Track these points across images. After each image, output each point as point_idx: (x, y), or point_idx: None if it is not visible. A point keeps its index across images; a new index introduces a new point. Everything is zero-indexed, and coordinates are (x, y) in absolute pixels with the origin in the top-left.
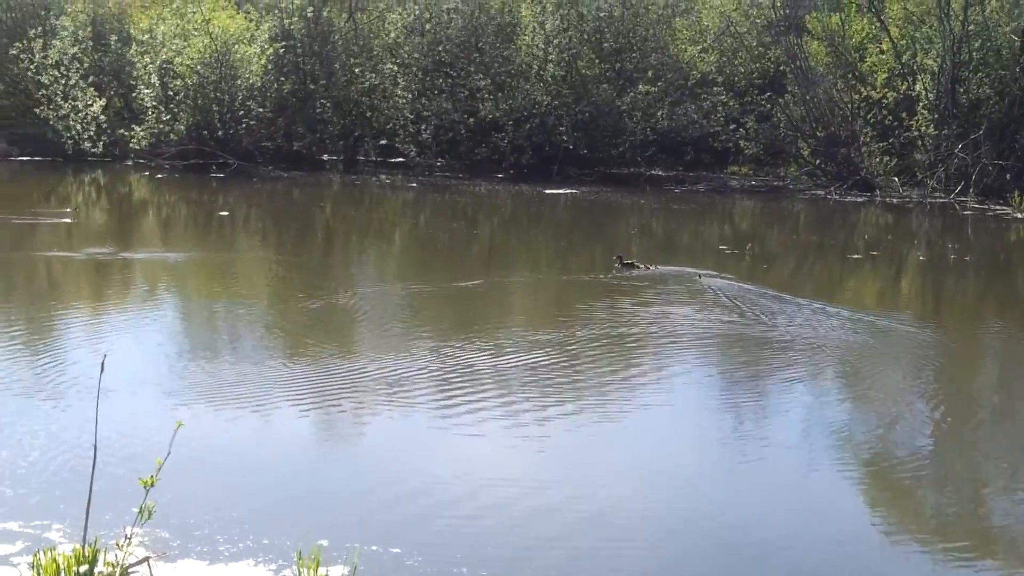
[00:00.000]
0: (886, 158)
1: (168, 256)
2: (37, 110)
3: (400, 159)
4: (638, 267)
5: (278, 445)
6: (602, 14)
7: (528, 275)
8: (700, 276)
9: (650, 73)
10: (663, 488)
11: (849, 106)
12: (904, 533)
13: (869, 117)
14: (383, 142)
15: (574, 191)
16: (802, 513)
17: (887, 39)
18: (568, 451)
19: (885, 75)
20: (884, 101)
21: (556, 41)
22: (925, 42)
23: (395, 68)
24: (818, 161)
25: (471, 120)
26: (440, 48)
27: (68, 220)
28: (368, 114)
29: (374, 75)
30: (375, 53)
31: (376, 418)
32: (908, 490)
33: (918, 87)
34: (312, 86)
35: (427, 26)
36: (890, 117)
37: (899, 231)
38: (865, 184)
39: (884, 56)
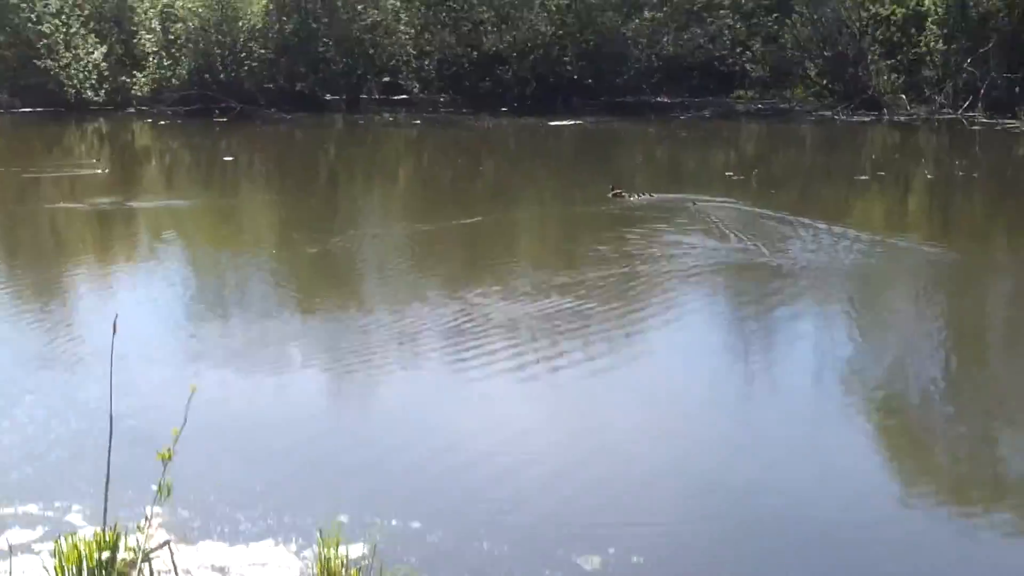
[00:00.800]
0: (894, 75)
1: (174, 203)
2: (38, 61)
3: (403, 96)
4: (630, 196)
5: (292, 408)
6: None
7: (535, 209)
8: (695, 203)
9: None
10: (676, 444)
11: (857, 24)
12: (920, 486)
13: (877, 34)
14: (386, 79)
15: (579, 122)
16: (813, 468)
17: None
18: (582, 405)
19: None
20: (893, 17)
21: None
22: None
23: (397, 3)
24: (825, 81)
25: (474, 53)
26: None
27: (99, 171)
28: (371, 51)
29: (376, 11)
30: None
31: (388, 376)
32: (922, 436)
33: (927, 2)
34: (314, 25)
35: None
36: (898, 34)
37: (906, 150)
38: (872, 103)
39: None
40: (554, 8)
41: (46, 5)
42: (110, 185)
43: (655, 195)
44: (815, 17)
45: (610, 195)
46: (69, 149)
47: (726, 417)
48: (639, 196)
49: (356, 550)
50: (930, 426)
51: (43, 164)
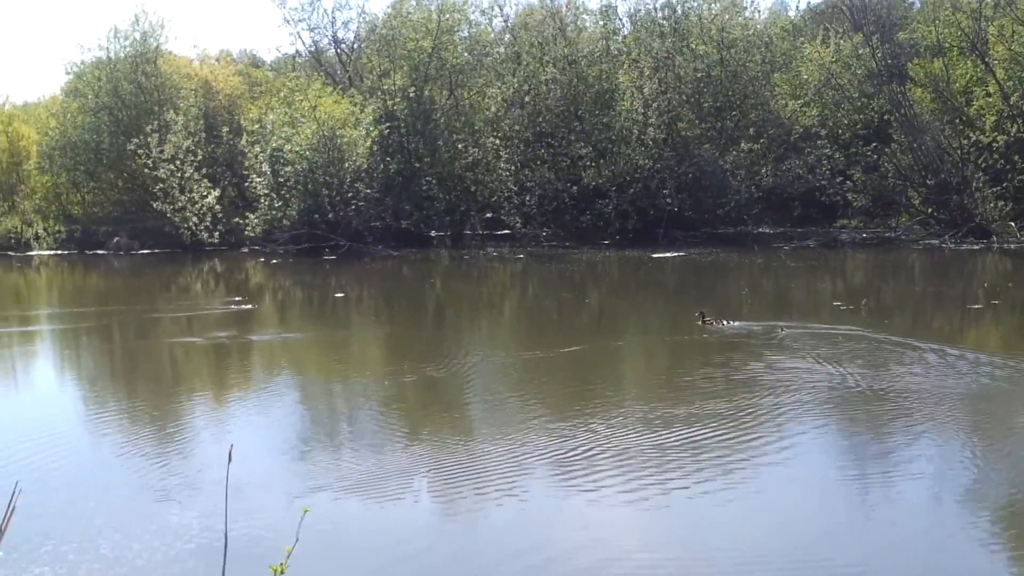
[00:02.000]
0: (1001, 203)
1: (289, 336)
2: (154, 204)
3: (506, 231)
4: (716, 323)
5: (402, 531)
6: (700, 74)
7: (639, 338)
8: (782, 329)
9: (752, 130)
10: (786, 553)
11: (958, 151)
12: None
13: (980, 162)
14: (488, 215)
15: (681, 253)
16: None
17: (993, 81)
18: (690, 523)
19: (994, 118)
20: (994, 144)
21: (655, 104)
22: None
23: (497, 141)
24: (930, 209)
25: (574, 188)
26: (540, 119)
27: (249, 306)
28: (472, 188)
29: (477, 149)
30: (477, 128)
31: (492, 498)
32: None
33: None
34: (417, 164)
35: (526, 98)
36: (1002, 161)
37: (1020, 278)
38: (981, 231)
39: (991, 99)
40: (651, 143)
41: (161, 151)
42: (231, 321)
43: (738, 323)
44: (915, 145)
45: (699, 323)
46: (188, 288)
47: (840, 546)
48: (728, 323)
49: None
50: None
51: (179, 302)
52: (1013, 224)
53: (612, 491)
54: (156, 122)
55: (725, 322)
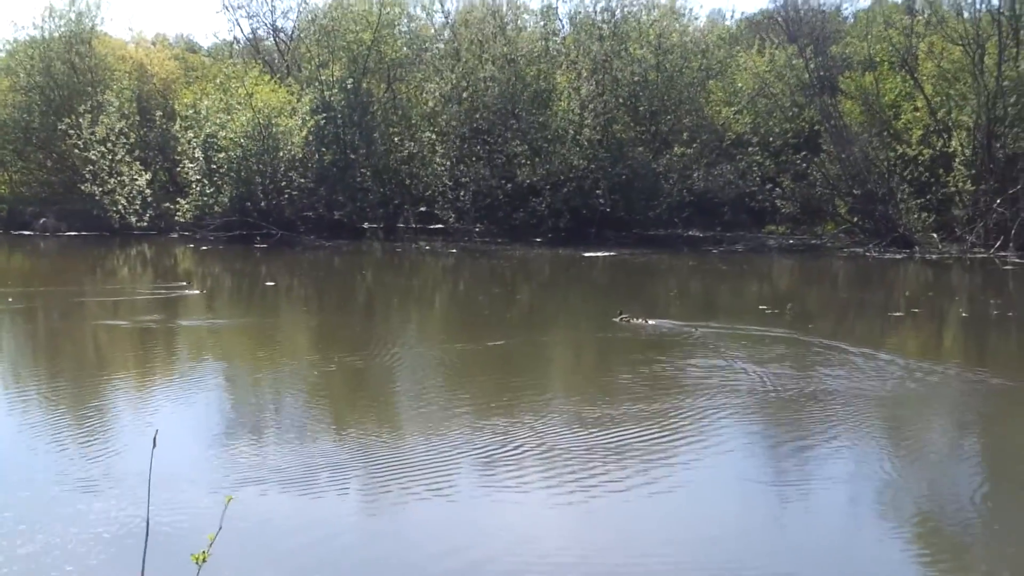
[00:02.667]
0: (924, 214)
1: (216, 322)
2: (83, 186)
3: (439, 225)
4: (633, 320)
5: (324, 524)
6: (636, 78)
7: (566, 333)
8: (696, 329)
9: (685, 135)
10: (709, 554)
11: (885, 163)
12: None
13: (905, 174)
14: (422, 209)
15: (613, 253)
16: None
17: (921, 96)
18: (613, 519)
19: (920, 132)
20: (920, 158)
21: (591, 105)
22: (959, 99)
23: (433, 136)
24: (855, 219)
25: (509, 185)
26: (477, 115)
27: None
28: (407, 181)
29: (413, 143)
30: (413, 122)
31: (418, 495)
32: (956, 556)
33: (954, 143)
34: (352, 156)
35: (464, 94)
36: (927, 173)
37: (940, 287)
38: (904, 241)
39: (919, 113)
40: (586, 143)
41: (92, 132)
42: (155, 306)
43: (654, 321)
44: (843, 156)
45: (616, 319)
46: (113, 272)
47: (759, 547)
48: (645, 321)
49: None
50: (969, 551)
51: (106, 286)
52: (935, 236)
53: (537, 489)
54: (89, 103)
55: (642, 320)
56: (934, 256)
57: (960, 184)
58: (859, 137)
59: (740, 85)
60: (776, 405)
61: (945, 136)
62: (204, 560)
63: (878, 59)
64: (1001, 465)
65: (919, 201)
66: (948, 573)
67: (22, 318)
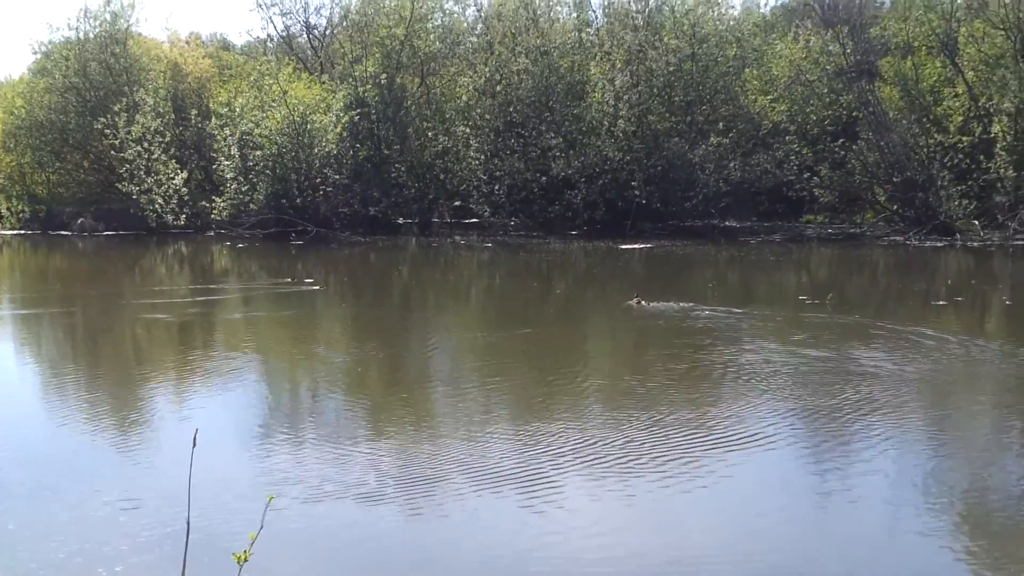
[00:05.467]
0: (965, 201)
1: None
2: (120, 185)
3: (474, 219)
4: (648, 303)
5: (367, 524)
6: (671, 68)
7: (605, 324)
8: (723, 314)
9: (721, 124)
10: (750, 545)
11: (924, 150)
12: None
13: (945, 161)
14: (457, 203)
15: (649, 245)
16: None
17: (962, 82)
18: (654, 512)
19: (961, 118)
20: (960, 144)
21: (626, 97)
22: (1001, 84)
23: (467, 130)
24: (895, 207)
25: (543, 178)
26: (511, 109)
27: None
28: (442, 176)
29: (447, 138)
30: (447, 116)
31: (460, 494)
32: (1001, 542)
33: (995, 129)
34: (387, 151)
35: (498, 88)
36: (967, 160)
37: (982, 275)
38: (944, 228)
39: (959, 99)
40: (621, 135)
41: (128, 132)
42: (193, 303)
43: (663, 304)
44: (882, 143)
45: (631, 302)
46: (151, 271)
47: (805, 531)
48: (657, 304)
49: None
50: (1016, 543)
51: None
52: (976, 223)
53: (579, 485)
54: (125, 102)
55: (656, 303)
56: (976, 244)
57: (1002, 171)
58: (898, 123)
59: (776, 73)
60: (819, 393)
61: (986, 121)
62: (246, 559)
63: (917, 44)
64: None
65: (959, 188)
66: (995, 568)
67: (62, 317)
